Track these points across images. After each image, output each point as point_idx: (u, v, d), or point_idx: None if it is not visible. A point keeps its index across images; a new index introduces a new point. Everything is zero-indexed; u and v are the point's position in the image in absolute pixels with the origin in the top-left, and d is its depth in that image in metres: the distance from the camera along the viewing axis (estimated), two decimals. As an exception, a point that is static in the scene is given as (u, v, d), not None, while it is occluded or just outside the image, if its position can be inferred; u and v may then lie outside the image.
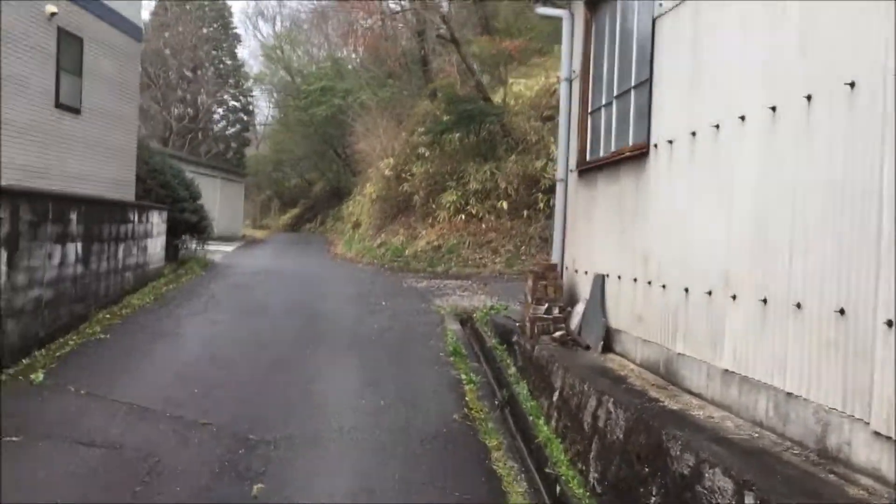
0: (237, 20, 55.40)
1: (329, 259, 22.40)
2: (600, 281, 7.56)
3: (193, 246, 18.24)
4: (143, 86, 51.72)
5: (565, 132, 9.30)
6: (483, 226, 19.09)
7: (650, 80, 6.44)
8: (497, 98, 21.64)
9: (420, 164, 21.77)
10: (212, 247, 24.36)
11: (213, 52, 56.84)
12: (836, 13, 3.83)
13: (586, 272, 8.15)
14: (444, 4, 20.75)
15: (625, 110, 7.32)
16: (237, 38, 57.53)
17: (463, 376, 7.79)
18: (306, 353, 8.39)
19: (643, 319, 6.36)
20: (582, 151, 8.57)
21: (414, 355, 8.60)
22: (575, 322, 8.03)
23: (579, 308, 8.13)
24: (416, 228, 20.98)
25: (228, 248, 25.58)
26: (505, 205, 18.83)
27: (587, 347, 7.40)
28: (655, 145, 6.27)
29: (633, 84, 7.03)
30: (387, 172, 23.23)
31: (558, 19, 9.64)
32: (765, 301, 4.31)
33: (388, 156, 23.91)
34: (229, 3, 56.14)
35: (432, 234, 19.95)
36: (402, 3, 25.50)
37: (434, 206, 20.58)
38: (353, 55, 52.39)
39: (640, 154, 6.57)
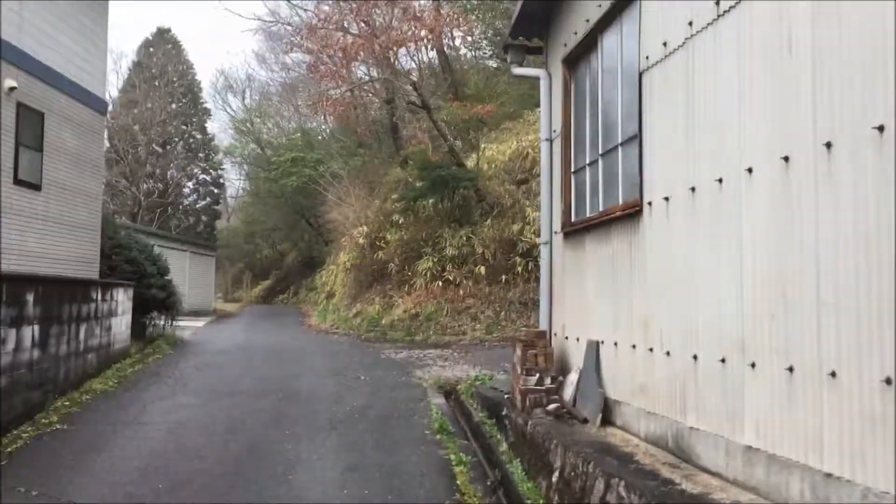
0: (206, 94, 55.44)
1: (303, 332, 21.78)
2: (594, 348, 7.13)
3: (162, 323, 17.57)
4: (112, 161, 51.49)
5: (547, 193, 8.98)
6: (461, 292, 18.67)
7: (639, 136, 6.15)
8: (470, 163, 21.52)
9: (394, 232, 21.44)
10: (182, 322, 23.60)
11: (183, 127, 56.77)
12: (856, 47, 3.53)
13: (577, 339, 7.72)
14: (414, 73, 20.72)
15: (612, 168, 7.02)
16: (207, 113, 57.57)
17: (452, 456, 7.23)
18: (282, 437, 7.80)
19: (646, 390, 5.91)
20: (566, 212, 8.24)
21: (398, 435, 8.03)
22: (568, 393, 7.57)
23: (572, 377, 7.67)
24: (392, 297, 20.50)
25: (199, 323, 24.84)
26: (483, 270, 18.47)
27: (584, 420, 6.92)
28: (650, 203, 5.93)
29: (619, 141, 6.75)
30: (360, 241, 22.86)
31: (531, 81, 9.46)
32: (791, 369, 3.90)
33: (362, 224, 23.59)
34: (198, 78, 56.35)
35: (409, 301, 19.48)
36: (372, 72, 25.50)
37: (410, 274, 20.17)
38: (323, 126, 52.66)
39: (632, 213, 6.23)
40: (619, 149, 6.77)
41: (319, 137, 48.53)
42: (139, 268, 15.47)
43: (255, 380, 11.17)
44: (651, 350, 5.83)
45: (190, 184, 57.92)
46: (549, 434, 6.42)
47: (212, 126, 55.54)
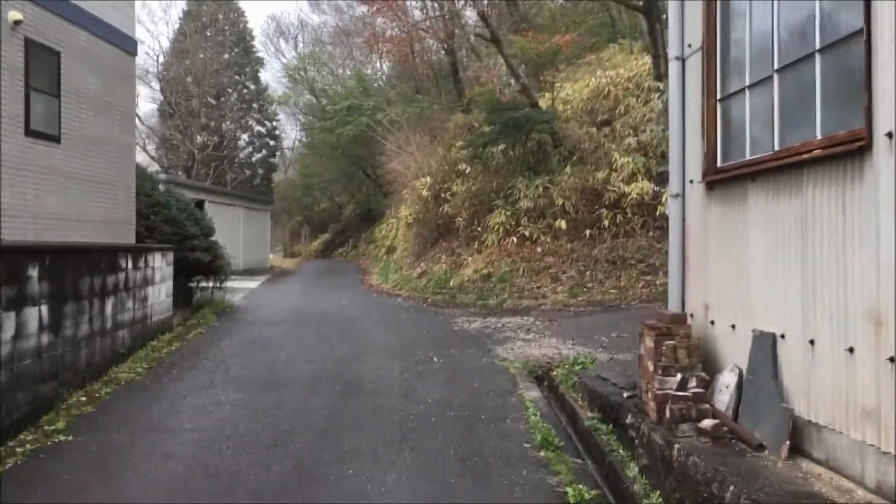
0: (258, 43, 53.73)
1: (363, 293, 20.04)
2: (768, 343, 5.07)
3: (210, 287, 16.01)
4: (165, 115, 50.45)
5: (678, 130, 6.83)
6: (538, 249, 16.61)
7: (867, 30, 3.99)
8: (543, 104, 19.22)
9: (461, 182, 19.42)
10: (235, 283, 22.18)
11: (236, 78, 55.35)
12: None
13: (733, 326, 5.66)
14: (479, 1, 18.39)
15: (799, 88, 4.86)
16: (260, 62, 55.99)
17: (568, 489, 5.29)
18: (339, 455, 5.97)
19: (879, 417, 3.86)
20: (710, 155, 6.09)
21: (489, 450, 6.13)
22: (722, 400, 5.54)
23: (726, 380, 5.64)
24: (460, 255, 18.56)
25: (253, 283, 23.38)
26: (563, 224, 16.33)
27: (759, 447, 4.89)
28: (889, 134, 3.80)
29: (818, 46, 4.56)
30: (424, 193, 20.88)
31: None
32: None
33: (425, 174, 21.58)
34: (250, 26, 54.65)
35: (480, 260, 17.51)
36: (432, 4, 23.16)
37: (480, 229, 18.16)
38: (379, 72, 50.53)
39: (847, 151, 4.11)
40: (818, 57, 4.58)
41: (375, 84, 46.50)
42: (180, 228, 13.82)
43: (309, 363, 9.38)
44: (892, 360, 3.76)
45: (245, 136, 56.77)
46: (718, 472, 4.42)
47: (265, 76, 53.92)
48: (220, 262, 15.11)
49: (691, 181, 6.55)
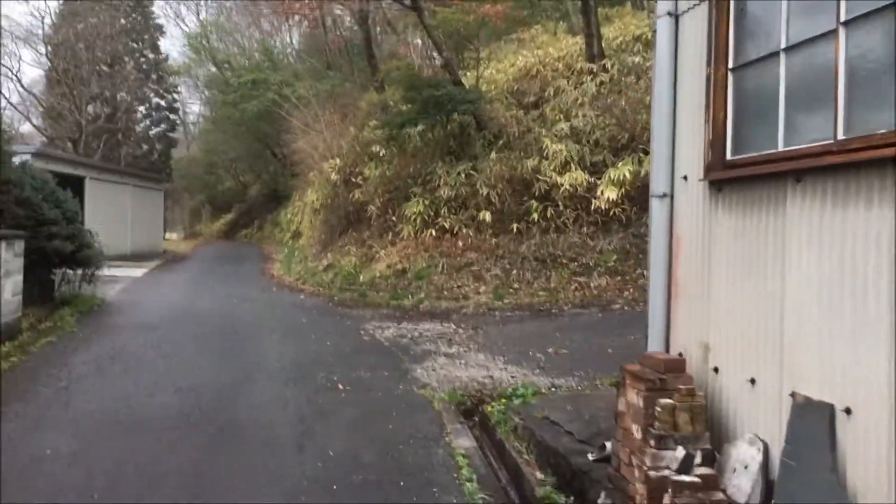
0: (157, 8, 50.08)
1: (262, 286, 17.89)
2: (823, 419, 3.50)
3: (78, 281, 13.65)
4: (52, 82, 46.38)
5: (666, 110, 5.25)
6: (460, 243, 14.94)
7: None
8: (467, 83, 17.50)
9: (374, 166, 17.54)
10: (117, 271, 19.67)
11: (133, 45, 51.65)
12: None
13: (753, 380, 4.11)
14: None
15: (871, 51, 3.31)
16: (159, 29, 52.37)
17: None
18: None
19: None
20: (718, 143, 4.49)
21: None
22: (741, 487, 4.01)
23: (743, 455, 4.10)
24: (372, 247, 16.70)
25: (139, 271, 20.87)
26: (487, 216, 14.69)
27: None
28: None
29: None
30: (332, 176, 18.89)
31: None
32: None
33: (334, 156, 19.57)
34: (150, -11, 50.96)
35: (394, 254, 15.71)
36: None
37: (395, 219, 16.36)
38: (289, 47, 47.80)
39: None
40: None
41: (284, 59, 43.90)
42: (35, 212, 11.46)
43: (178, 392, 7.37)
44: None
45: (142, 108, 53.15)
46: None
47: (165, 44, 50.41)
48: (88, 253, 12.75)
49: (685, 178, 4.97)
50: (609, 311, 12.06)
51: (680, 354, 4.83)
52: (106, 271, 19.36)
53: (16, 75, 42.25)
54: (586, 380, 8.03)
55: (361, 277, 15.74)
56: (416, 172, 16.53)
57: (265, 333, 10.84)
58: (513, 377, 8.20)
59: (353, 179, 18.14)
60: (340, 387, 7.73)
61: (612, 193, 13.47)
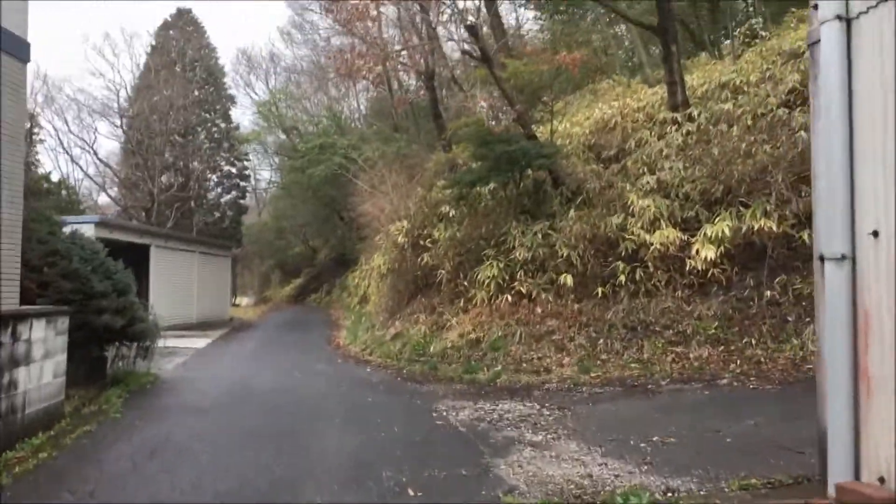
0: (229, 79, 51.10)
1: (326, 357, 16.84)
2: None
3: (133, 356, 12.83)
4: (127, 152, 47.38)
5: (839, 145, 3.92)
6: (538, 310, 13.62)
7: None
8: (541, 137, 16.42)
9: (444, 228, 16.47)
10: (180, 342, 19.03)
11: (206, 115, 52.76)
12: None
13: None
14: (469, 17, 15.58)
15: None
16: (231, 100, 53.46)
17: None
18: None
19: None
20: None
21: None
22: None
23: None
24: (442, 314, 15.50)
25: (202, 341, 20.14)
26: (568, 280, 13.37)
27: None
28: None
29: None
30: (400, 239, 17.89)
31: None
32: None
33: (401, 218, 18.62)
34: (221, 63, 52.16)
35: (466, 322, 14.48)
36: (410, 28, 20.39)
37: (466, 284, 15.16)
38: (356, 112, 47.97)
39: None
40: None
41: (351, 124, 44.02)
42: (83, 285, 10.69)
43: (218, 497, 6.25)
44: None
45: (214, 177, 53.97)
46: None
47: (235, 113, 51.27)
48: (141, 327, 11.92)
49: (874, 234, 3.62)
50: (715, 387, 10.51)
51: (881, 480, 3.45)
52: (168, 343, 18.76)
53: (91, 147, 43.23)
54: (708, 480, 6.55)
55: (432, 348, 14.53)
56: (488, 234, 15.39)
57: (325, 417, 9.65)
58: (616, 475, 6.79)
59: (422, 242, 17.10)
60: (411, 492, 6.45)
61: (709, 252, 12.03)
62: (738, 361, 11.19)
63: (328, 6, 16.32)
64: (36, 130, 42.45)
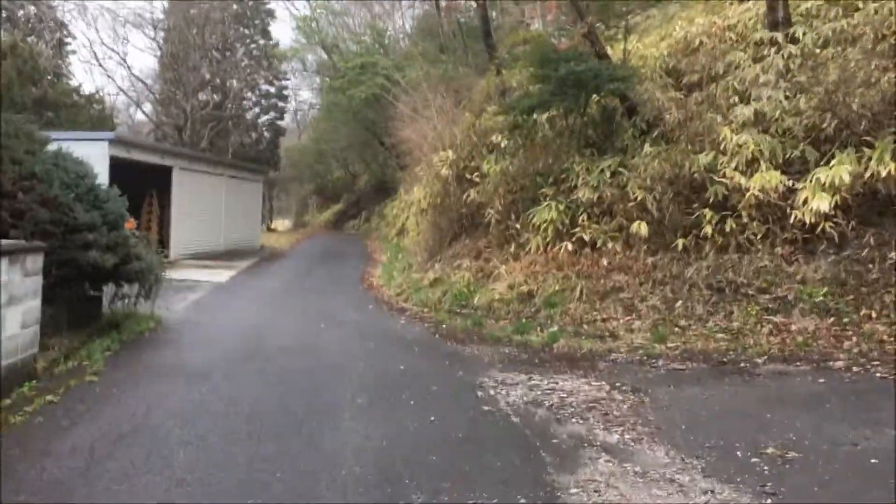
0: (267, -11, 48.81)
1: (358, 300, 15.05)
2: None
3: (135, 295, 11.16)
4: (163, 67, 45.55)
5: None
6: (604, 262, 11.60)
7: None
8: (614, 57, 14.08)
9: (494, 161, 14.38)
10: (202, 273, 17.47)
11: (244, 31, 50.66)
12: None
13: None
14: None
15: None
16: (270, 14, 51.17)
17: None
18: None
19: None
20: None
21: None
22: None
23: None
24: (490, 260, 13.57)
25: (225, 274, 18.55)
26: (643, 228, 11.24)
27: None
28: None
29: None
30: (443, 171, 15.84)
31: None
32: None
33: (446, 147, 16.52)
34: (261, -26, 49.78)
35: (517, 271, 12.53)
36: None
37: (519, 227, 13.16)
38: (400, 31, 45.34)
39: None
40: None
41: (396, 45, 41.51)
42: (65, 214, 8.93)
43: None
44: None
45: (252, 96, 52.19)
46: None
47: (275, 30, 49.05)
48: (135, 267, 10.16)
49: None
50: (828, 372, 8.44)
51: None
52: (187, 274, 17.21)
53: (124, 59, 41.40)
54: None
55: (476, 299, 12.63)
56: (546, 169, 13.27)
57: (346, 396, 7.82)
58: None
59: (468, 176, 15.04)
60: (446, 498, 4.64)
61: (822, 203, 9.79)
62: (855, 339, 9.08)
63: None
64: (68, 41, 40.77)
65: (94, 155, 16.70)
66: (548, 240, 12.25)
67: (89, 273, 9.48)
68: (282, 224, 62.25)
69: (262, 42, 49.05)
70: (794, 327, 9.54)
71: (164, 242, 21.54)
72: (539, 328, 11.02)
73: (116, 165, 17.91)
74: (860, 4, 13.43)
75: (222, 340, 10.50)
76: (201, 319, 12.23)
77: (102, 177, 16.24)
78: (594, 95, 13.10)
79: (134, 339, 10.06)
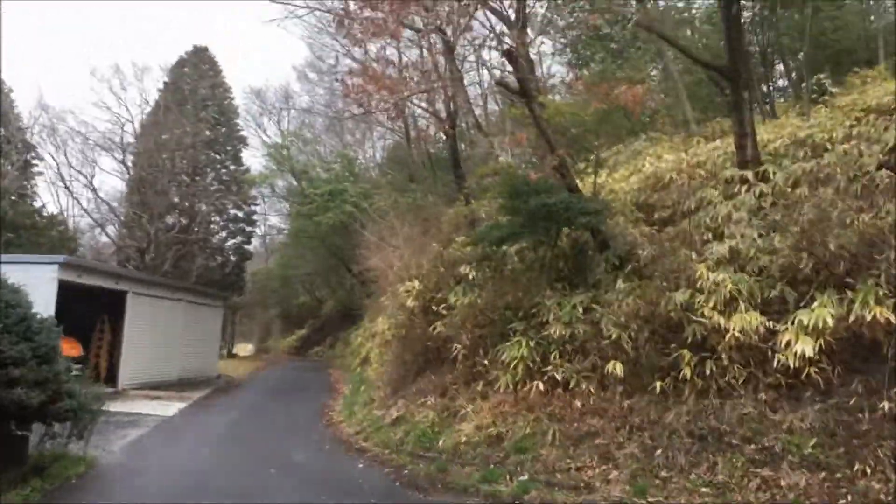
0: (240, 119, 49.46)
1: (315, 442, 13.97)
2: None
3: (65, 435, 10.12)
4: (130, 190, 45.24)
5: None
6: (577, 403, 10.87)
7: None
8: (585, 190, 13.88)
9: (462, 292, 13.81)
10: (150, 406, 16.40)
11: (216, 156, 50.94)
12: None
13: None
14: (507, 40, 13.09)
15: None
16: (242, 141, 51.62)
17: None
18: None
19: None
20: None
21: None
22: None
23: None
24: (456, 398, 12.77)
25: (174, 407, 17.43)
26: (618, 368, 10.62)
27: None
28: None
29: None
30: (409, 302, 15.22)
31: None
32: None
33: (412, 277, 15.99)
34: (236, 103, 50.55)
35: (485, 411, 11.74)
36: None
37: (487, 363, 12.48)
38: (371, 161, 46.00)
39: None
40: None
41: (366, 173, 41.98)
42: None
43: None
44: None
45: (220, 219, 51.93)
46: None
47: (246, 156, 49.41)
48: (66, 405, 9.20)
49: None
50: (827, 537, 7.69)
51: None
52: (133, 406, 16.13)
53: (90, 182, 41.03)
54: None
55: (441, 441, 11.75)
56: (516, 303, 12.73)
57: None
58: None
59: (435, 308, 14.42)
60: None
61: (806, 346, 9.29)
62: (850, 497, 8.36)
63: (343, 20, 13.82)
64: (35, 162, 40.49)
65: (43, 279, 15.98)
66: (518, 378, 11.55)
67: (14, 412, 8.52)
68: (244, 349, 60.76)
69: (232, 167, 49.31)
70: (783, 482, 8.79)
71: (113, 371, 20.40)
72: (508, 476, 10.14)
73: (67, 290, 17.09)
74: (828, 146, 13.54)
75: (157, 492, 9.44)
76: (137, 465, 11.11)
77: (49, 303, 15.49)
78: (565, 228, 12.78)
79: (59, 485, 9.01)
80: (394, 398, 14.84)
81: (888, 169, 11.80)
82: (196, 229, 47.13)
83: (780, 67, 25.25)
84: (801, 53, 23.26)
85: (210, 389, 22.41)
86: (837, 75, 19.50)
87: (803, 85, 19.00)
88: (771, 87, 25.30)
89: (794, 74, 23.46)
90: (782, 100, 23.96)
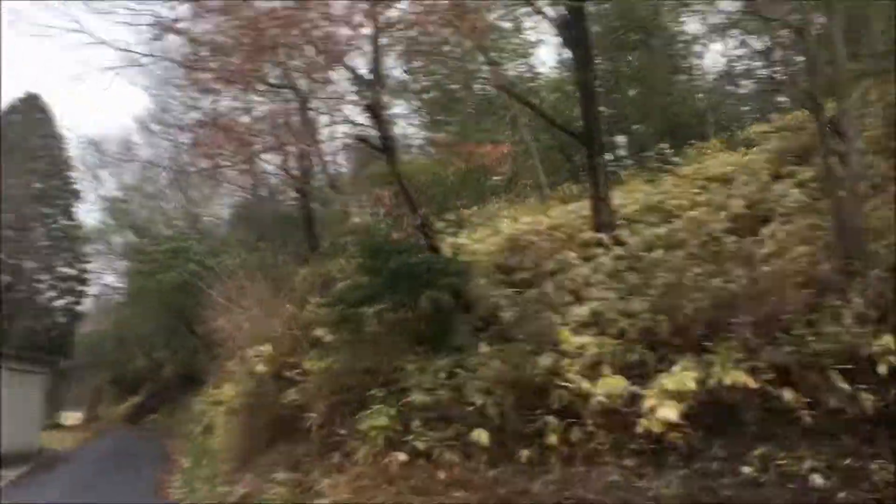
0: (75, 171, 46.78)
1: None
2: None
3: None
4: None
5: None
6: (441, 475, 10.28)
7: None
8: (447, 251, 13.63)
9: (317, 357, 13.06)
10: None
11: (45, 210, 47.68)
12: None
13: None
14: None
15: None
16: (75, 195, 48.53)
17: None
18: None
19: None
20: None
21: None
22: None
23: None
24: (310, 472, 11.85)
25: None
26: (483, 436, 10.19)
27: None
28: None
29: None
30: (259, 368, 14.24)
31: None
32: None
33: (262, 340, 15.03)
34: (70, 153, 47.63)
35: (342, 486, 10.90)
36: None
37: (344, 433, 11.72)
38: (217, 218, 44.38)
39: None
40: None
41: (213, 230, 40.40)
42: None
43: None
44: None
45: (48, 277, 48.36)
46: None
47: (81, 209, 46.56)
48: None
49: None
50: None
51: None
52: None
53: None
54: None
55: (293, 524, 10.84)
56: (376, 367, 12.12)
57: None
58: None
59: (288, 374, 13.55)
60: None
61: (670, 412, 9.26)
62: (717, 571, 8.26)
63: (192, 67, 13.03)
64: None
65: None
66: (378, 449, 10.87)
67: None
68: (73, 418, 56.13)
69: (64, 222, 46.31)
70: (652, 554, 8.60)
71: None
72: (369, 561, 9.40)
73: None
74: (676, 212, 14.08)
75: None
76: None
77: None
78: (427, 290, 12.41)
79: None
80: (241, 472, 13.68)
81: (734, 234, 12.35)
82: (21, 288, 43.83)
83: (621, 138, 26.69)
84: (639, 126, 24.72)
85: (29, 467, 20.04)
86: (676, 147, 20.66)
87: (645, 154, 19.96)
88: (615, 155, 26.54)
89: (636, 144, 24.75)
90: (623, 170, 25.29)
